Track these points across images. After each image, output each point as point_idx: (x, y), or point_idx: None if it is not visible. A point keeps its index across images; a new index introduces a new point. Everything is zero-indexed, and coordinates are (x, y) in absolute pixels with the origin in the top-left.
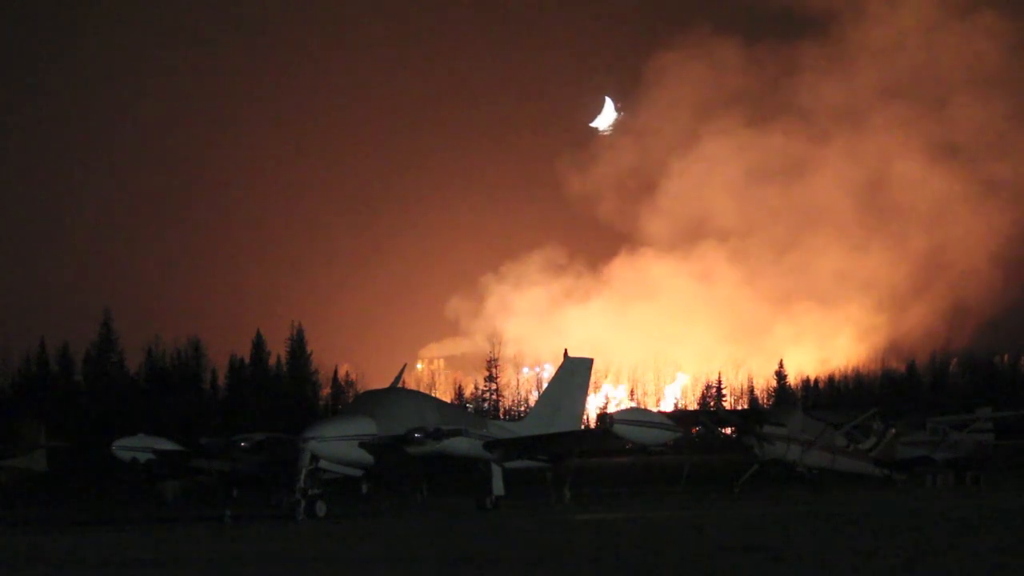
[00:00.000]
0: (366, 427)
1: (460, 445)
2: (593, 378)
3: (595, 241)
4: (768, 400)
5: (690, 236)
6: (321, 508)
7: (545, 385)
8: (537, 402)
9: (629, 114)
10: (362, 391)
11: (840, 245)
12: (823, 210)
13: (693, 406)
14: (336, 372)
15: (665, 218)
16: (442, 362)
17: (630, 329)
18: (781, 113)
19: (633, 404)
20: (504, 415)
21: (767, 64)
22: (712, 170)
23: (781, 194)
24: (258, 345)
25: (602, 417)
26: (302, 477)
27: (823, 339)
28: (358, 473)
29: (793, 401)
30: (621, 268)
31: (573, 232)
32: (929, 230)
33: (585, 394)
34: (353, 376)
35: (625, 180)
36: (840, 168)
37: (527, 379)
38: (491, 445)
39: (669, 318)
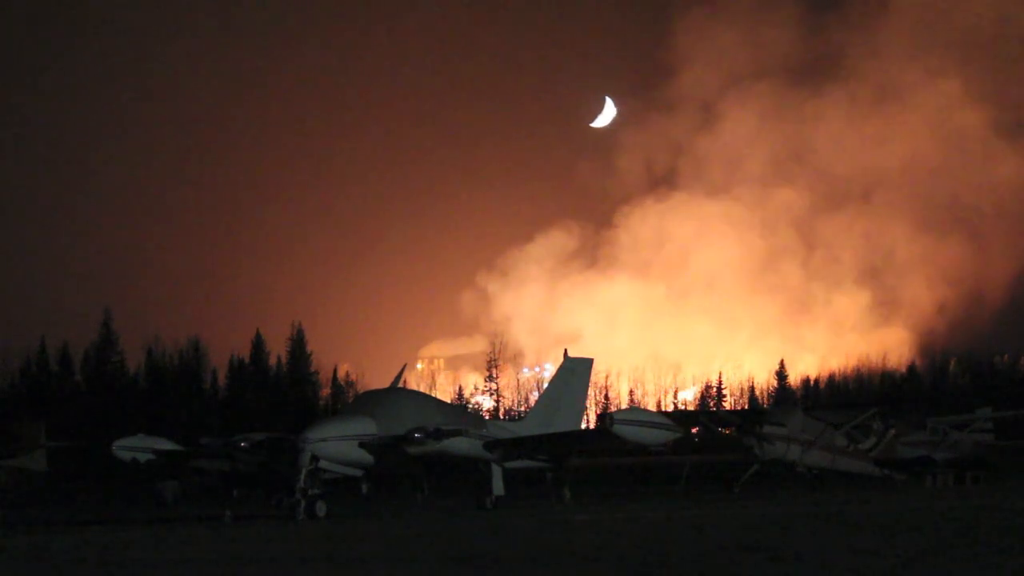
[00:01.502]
0: (366, 427)
1: (460, 445)
2: (593, 378)
3: (597, 238)
4: (768, 400)
5: (699, 230)
6: (321, 508)
7: (545, 385)
8: (537, 402)
9: (643, 103)
10: (362, 391)
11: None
12: (847, 192)
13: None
14: (336, 372)
15: (671, 213)
16: (442, 362)
17: (632, 327)
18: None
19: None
20: (504, 415)
21: (819, 33)
22: (730, 154)
23: (806, 176)
24: (258, 345)
25: (602, 417)
26: (302, 477)
27: (867, 329)
28: (358, 473)
29: (793, 401)
30: (623, 265)
31: (574, 231)
32: (989, 210)
33: (585, 394)
34: (353, 376)
35: (634, 172)
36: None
37: (527, 379)
38: (491, 445)
39: (676, 315)
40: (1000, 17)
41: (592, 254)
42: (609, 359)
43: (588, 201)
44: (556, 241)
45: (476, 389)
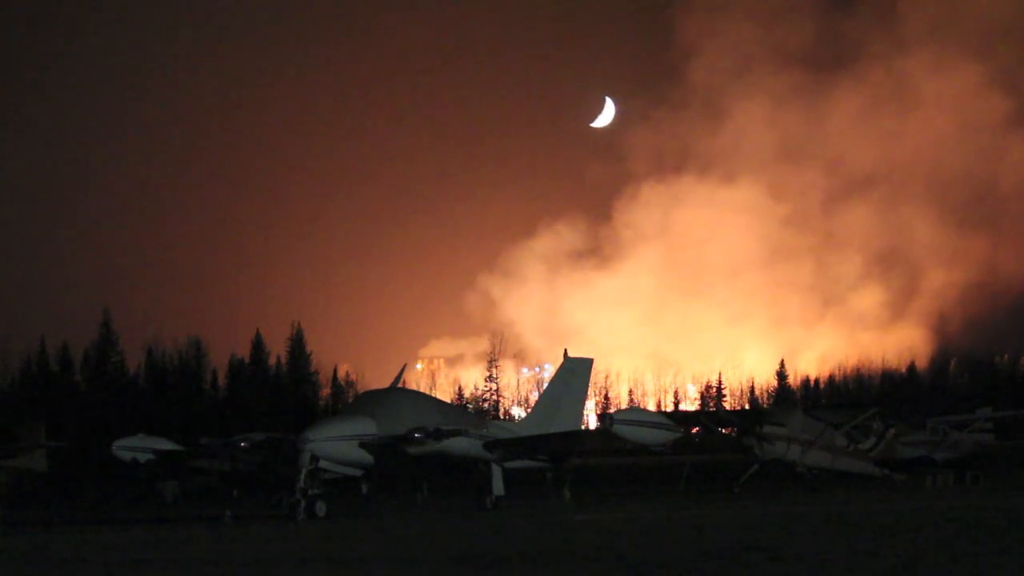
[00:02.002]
0: (366, 427)
1: (460, 445)
2: (593, 378)
3: (599, 235)
4: (768, 400)
5: (704, 225)
6: (321, 508)
7: (545, 385)
8: (537, 402)
9: (644, 102)
10: (362, 391)
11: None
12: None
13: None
14: (336, 372)
15: (674, 209)
16: (442, 362)
17: (636, 323)
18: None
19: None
20: (504, 415)
21: (831, 23)
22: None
23: (816, 170)
24: (258, 345)
25: (602, 417)
26: (302, 477)
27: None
28: (358, 473)
29: (793, 401)
30: (626, 261)
31: (576, 226)
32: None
33: (585, 394)
34: (353, 376)
35: (637, 169)
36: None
37: (527, 379)
38: (491, 445)
39: (681, 311)
40: (1018, 6)
41: (594, 252)
42: (612, 356)
43: (590, 199)
44: (558, 238)
45: (476, 389)
